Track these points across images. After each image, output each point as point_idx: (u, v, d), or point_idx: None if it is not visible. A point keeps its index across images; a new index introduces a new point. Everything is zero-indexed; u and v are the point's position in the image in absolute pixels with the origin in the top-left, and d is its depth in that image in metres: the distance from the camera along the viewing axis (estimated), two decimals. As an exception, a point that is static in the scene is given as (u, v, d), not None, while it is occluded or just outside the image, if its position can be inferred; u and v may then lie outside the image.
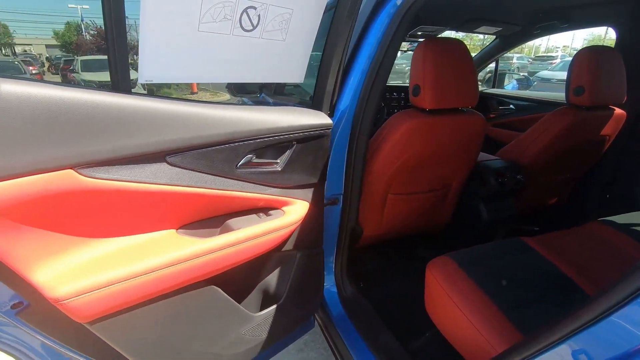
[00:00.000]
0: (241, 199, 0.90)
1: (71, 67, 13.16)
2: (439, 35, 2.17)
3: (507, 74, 2.98)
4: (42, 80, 0.57)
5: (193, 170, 0.77)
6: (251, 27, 0.79)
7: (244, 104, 2.33)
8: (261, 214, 0.98)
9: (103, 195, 0.65)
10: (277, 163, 0.96)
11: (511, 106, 2.57)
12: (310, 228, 1.14)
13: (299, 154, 1.00)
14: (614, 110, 1.67)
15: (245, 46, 0.81)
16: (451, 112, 1.37)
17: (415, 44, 2.32)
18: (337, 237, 1.42)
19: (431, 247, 1.89)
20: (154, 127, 0.68)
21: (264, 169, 0.93)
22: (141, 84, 0.69)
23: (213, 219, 0.92)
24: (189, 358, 0.91)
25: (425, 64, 1.27)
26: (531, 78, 9.58)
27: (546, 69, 11.74)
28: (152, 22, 0.65)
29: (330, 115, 1.15)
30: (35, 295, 0.63)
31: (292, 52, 0.92)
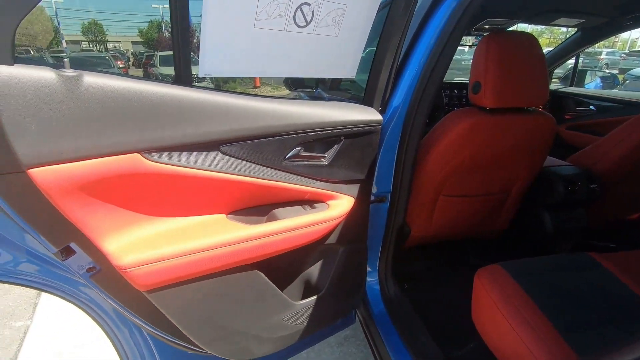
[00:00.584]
0: (288, 190, 0.93)
1: (151, 62, 14.49)
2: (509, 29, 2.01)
3: (589, 71, 2.67)
4: (118, 73, 0.64)
5: (244, 160, 0.82)
6: (305, 23, 0.81)
7: (300, 98, 2.39)
8: (306, 206, 1.00)
9: (164, 178, 0.72)
10: (324, 157, 0.97)
11: (591, 107, 2.31)
12: (355, 223, 1.15)
13: (347, 149, 1.00)
14: None
15: (298, 42, 0.83)
16: (515, 112, 1.27)
17: (475, 40, 2.19)
18: (383, 234, 1.41)
19: (483, 255, 1.79)
20: (211, 118, 0.73)
21: (311, 162, 0.95)
22: (209, 78, 0.75)
23: (260, 207, 0.96)
24: (230, 335, 0.97)
25: (488, 59, 1.20)
26: (622, 76, 8.42)
27: None
28: (213, 19, 0.70)
29: (382, 112, 1.14)
30: (106, 261, 0.73)
31: (345, 47, 0.92)
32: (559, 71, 2.66)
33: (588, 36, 2.17)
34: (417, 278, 1.70)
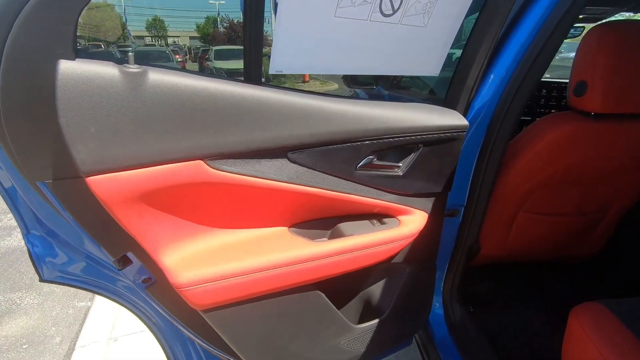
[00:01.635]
0: (357, 202, 0.82)
1: (207, 56, 15.07)
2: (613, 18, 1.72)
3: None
4: (182, 69, 0.57)
5: (312, 169, 0.72)
6: (391, 11, 0.68)
7: (356, 95, 2.26)
8: (375, 222, 0.89)
9: (227, 187, 0.64)
10: (398, 167, 0.85)
11: None
12: (426, 241, 1.01)
13: (424, 159, 0.87)
14: None
15: (382, 33, 0.71)
16: (627, 119, 1.05)
17: (573, 30, 1.90)
18: (450, 253, 1.26)
19: (564, 281, 1.55)
20: (278, 121, 0.64)
21: (384, 172, 0.83)
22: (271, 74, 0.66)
23: (324, 219, 0.86)
24: (286, 357, 0.89)
25: (599, 54, 0.99)
26: None
27: None
28: (288, 8, 0.60)
29: (464, 114, 0.99)
30: (162, 274, 0.67)
31: (432, 39, 0.79)
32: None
33: None
34: (484, 300, 1.52)
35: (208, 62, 13.88)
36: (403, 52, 0.78)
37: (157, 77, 0.52)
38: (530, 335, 1.33)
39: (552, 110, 2.07)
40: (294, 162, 0.69)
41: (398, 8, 0.68)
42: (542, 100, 2.02)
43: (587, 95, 1.02)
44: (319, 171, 0.73)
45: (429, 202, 0.95)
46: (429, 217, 0.96)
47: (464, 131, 0.90)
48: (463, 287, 1.36)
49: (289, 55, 0.64)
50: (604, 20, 1.71)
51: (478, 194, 1.14)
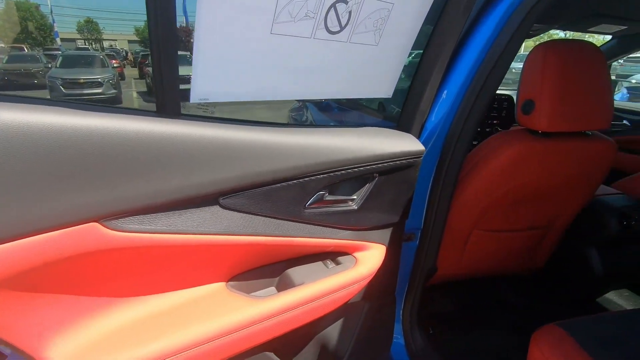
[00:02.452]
0: (307, 245, 0.71)
1: (147, 62, 14.13)
2: (539, 37, 1.81)
3: (618, 82, 2.47)
4: (47, 99, 0.42)
5: (252, 213, 0.60)
6: (338, 28, 0.59)
7: (305, 108, 2.16)
8: (329, 262, 0.78)
9: (136, 251, 0.49)
10: (352, 200, 0.75)
11: (625, 122, 2.11)
12: (385, 275, 0.93)
13: (380, 189, 0.78)
14: None
15: (328, 52, 0.61)
16: (573, 137, 1.06)
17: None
18: (408, 279, 1.19)
19: (520, 293, 1.57)
20: (204, 162, 0.51)
21: (337, 208, 0.73)
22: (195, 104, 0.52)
23: (271, 265, 0.74)
24: None
25: (545, 73, 0.98)
26: (635, 82, 8.12)
27: None
28: (211, 23, 0.47)
29: (418, 136, 0.93)
30: None
31: (384, 59, 0.71)
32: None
33: (624, 45, 1.97)
34: (442, 320, 1.48)
35: (149, 68, 13.04)
36: (353, 74, 0.68)
37: (11, 117, 0.37)
38: (492, 355, 1.31)
39: (495, 122, 2.13)
40: (228, 209, 0.56)
41: (346, 24, 0.59)
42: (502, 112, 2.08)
43: (534, 114, 1.01)
44: (261, 215, 0.61)
45: (386, 234, 0.87)
46: (387, 249, 0.88)
47: (420, 157, 0.83)
48: (421, 308, 1.31)
49: (214, 79, 0.52)
50: (539, 36, 1.79)
51: (434, 217, 1.08)
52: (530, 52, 1.04)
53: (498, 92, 2.17)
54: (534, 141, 1.04)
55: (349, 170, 0.70)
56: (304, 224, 0.68)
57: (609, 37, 2.02)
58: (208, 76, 0.51)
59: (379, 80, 0.74)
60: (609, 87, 1.04)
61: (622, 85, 2.56)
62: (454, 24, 0.70)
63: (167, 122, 0.48)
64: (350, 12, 0.58)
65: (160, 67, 0.46)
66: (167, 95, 0.48)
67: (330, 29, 0.57)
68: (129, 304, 0.56)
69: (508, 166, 1.06)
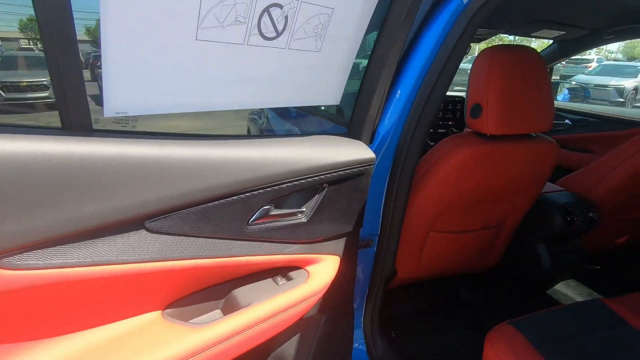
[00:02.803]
0: (253, 264, 0.67)
1: (99, 63, 13.35)
2: (491, 39, 1.88)
3: (560, 83, 2.63)
4: None
5: (187, 235, 0.55)
6: (274, 34, 0.55)
7: (263, 111, 2.10)
8: (279, 278, 0.74)
9: (43, 289, 0.43)
10: (302, 212, 0.72)
11: (567, 121, 2.25)
12: (341, 286, 0.90)
13: (331, 199, 0.76)
14: None
15: (265, 60, 0.57)
16: (519, 139, 1.09)
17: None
18: (367, 285, 1.18)
19: (477, 291, 1.62)
20: (125, 183, 0.45)
21: (285, 222, 0.69)
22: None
23: (214, 287, 0.69)
24: None
25: (490, 78, 1.00)
26: (575, 83, 8.73)
27: (582, 73, 10.76)
28: (123, 27, 0.42)
29: (370, 142, 0.92)
30: None
31: (329, 65, 0.68)
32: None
33: (564, 49, 2.09)
34: (405, 323, 1.49)
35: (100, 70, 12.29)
36: (295, 81, 0.65)
37: None
38: (453, 354, 1.33)
39: (450, 123, 2.19)
40: (157, 233, 0.51)
41: (283, 30, 0.55)
42: (440, 113, 2.13)
43: (482, 118, 1.03)
44: (197, 236, 0.56)
45: (339, 244, 0.85)
46: (341, 260, 0.86)
47: (371, 164, 0.81)
48: (382, 311, 1.31)
49: (132, 90, 0.46)
50: (486, 40, 1.86)
51: (391, 222, 1.08)
52: (476, 57, 1.07)
53: (453, 93, 2.24)
54: (483, 144, 1.06)
55: (296, 182, 0.66)
56: (249, 242, 0.64)
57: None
58: (124, 87, 0.45)
59: (325, 88, 0.72)
60: (550, 91, 1.08)
61: (564, 87, 2.74)
62: (398, 30, 0.69)
63: (76, 140, 0.42)
64: (286, 17, 0.54)
65: (59, 74, 0.40)
66: (73, 109, 0.42)
67: (266, 34, 0.54)
68: (45, 346, 0.49)
69: (459, 169, 1.07)
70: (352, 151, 0.77)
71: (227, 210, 0.58)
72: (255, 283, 0.71)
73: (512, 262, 1.51)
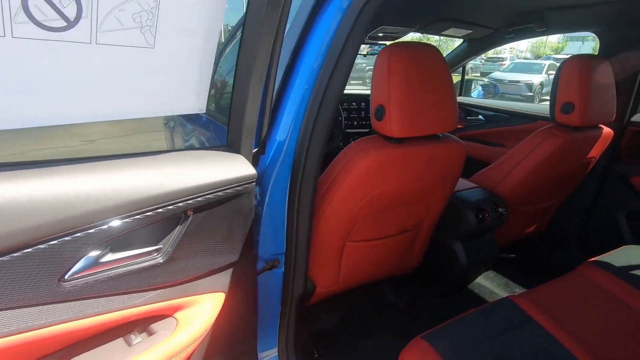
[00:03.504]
0: (82, 330, 0.51)
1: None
2: (403, 39, 1.87)
3: (473, 81, 2.76)
4: None
5: None
6: (63, 23, 0.40)
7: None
8: (135, 335, 0.59)
9: None
10: (157, 251, 0.58)
11: (480, 117, 2.34)
12: (231, 325, 0.77)
13: (201, 228, 0.62)
14: (603, 129, 1.45)
15: (72, 59, 0.42)
16: (426, 140, 1.05)
17: (377, 47, 2.01)
18: (280, 305, 1.07)
19: (401, 294, 1.59)
20: None
21: (129, 267, 0.54)
22: None
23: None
24: None
25: (392, 79, 0.94)
26: (487, 80, 9.63)
27: (497, 70, 11.91)
28: None
29: (261, 152, 0.80)
30: None
31: (176, 66, 0.54)
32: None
33: (473, 47, 2.17)
34: (329, 337, 1.41)
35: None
36: (127, 87, 0.50)
37: None
38: None
39: (363, 122, 2.17)
40: None
41: (78, 18, 0.40)
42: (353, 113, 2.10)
43: (386, 120, 0.96)
44: None
45: (223, 278, 0.72)
46: (227, 296, 0.73)
47: (252, 182, 0.69)
48: (303, 327, 1.21)
49: None
50: (397, 40, 1.85)
51: (297, 238, 0.97)
52: (377, 56, 1.00)
53: (367, 92, 2.22)
54: (389, 148, 1.00)
55: (140, 216, 0.52)
56: (69, 303, 0.48)
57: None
58: None
59: (180, 93, 0.58)
60: (452, 89, 1.05)
61: (478, 84, 2.90)
62: (262, 21, 0.58)
63: None
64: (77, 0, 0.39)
65: None
66: None
67: (45, 22, 0.38)
68: None
69: (365, 176, 1.00)
70: (226, 168, 0.64)
71: (22, 267, 0.42)
72: (100, 348, 0.55)
73: (433, 261, 1.50)
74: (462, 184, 1.53)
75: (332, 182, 1.04)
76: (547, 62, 11.01)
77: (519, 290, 1.68)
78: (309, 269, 1.23)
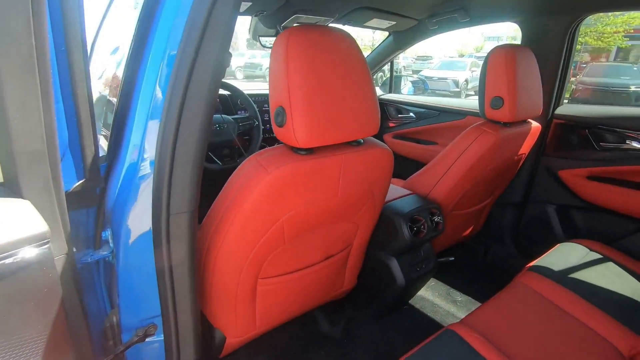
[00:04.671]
0: None
1: None
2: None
3: (403, 77, 2.67)
4: None
5: None
6: None
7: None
8: None
9: None
10: None
11: (411, 114, 2.25)
12: None
13: None
14: (531, 124, 1.38)
15: None
16: (343, 148, 0.85)
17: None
18: None
19: (335, 321, 1.39)
20: None
21: None
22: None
23: None
24: None
25: (291, 72, 0.72)
26: (416, 77, 10.03)
27: (427, 68, 12.52)
28: None
29: (96, 183, 0.53)
30: None
31: None
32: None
33: (399, 41, 2.05)
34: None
35: None
36: None
37: None
38: None
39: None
40: None
41: None
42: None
43: (287, 127, 0.74)
44: None
45: None
46: None
47: (45, 241, 0.42)
48: None
49: None
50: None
51: (173, 292, 0.71)
52: (274, 43, 0.76)
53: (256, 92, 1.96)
54: (296, 161, 0.77)
55: None
56: None
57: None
58: None
59: None
60: (371, 84, 0.85)
61: (408, 80, 2.84)
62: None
63: None
64: None
65: None
66: None
67: None
68: None
69: (266, 200, 0.77)
70: None
71: None
72: None
73: (369, 280, 1.32)
74: (394, 191, 1.37)
75: (226, 211, 0.80)
76: (470, 60, 11.84)
77: (460, 297, 1.57)
78: (214, 318, 0.97)
